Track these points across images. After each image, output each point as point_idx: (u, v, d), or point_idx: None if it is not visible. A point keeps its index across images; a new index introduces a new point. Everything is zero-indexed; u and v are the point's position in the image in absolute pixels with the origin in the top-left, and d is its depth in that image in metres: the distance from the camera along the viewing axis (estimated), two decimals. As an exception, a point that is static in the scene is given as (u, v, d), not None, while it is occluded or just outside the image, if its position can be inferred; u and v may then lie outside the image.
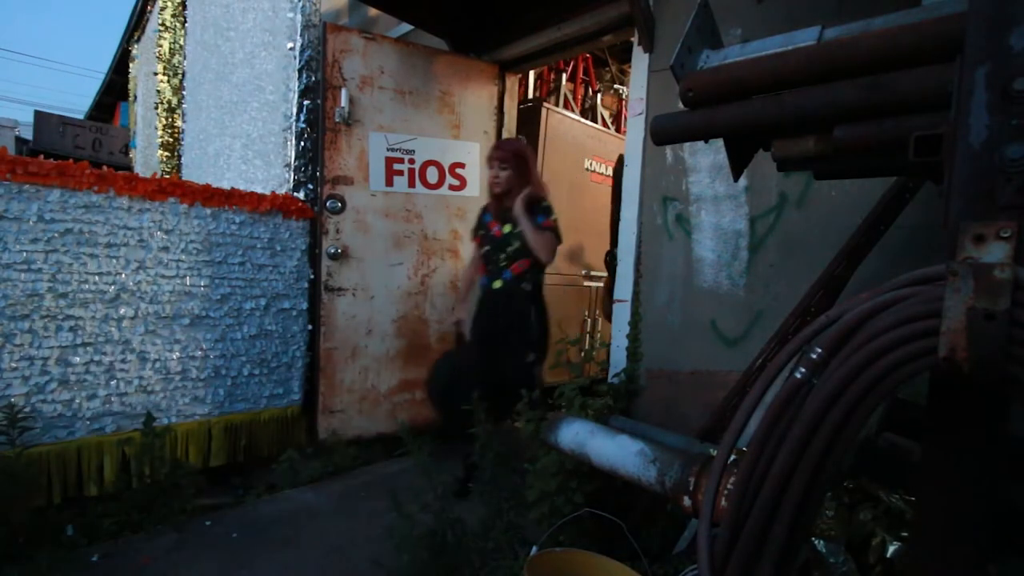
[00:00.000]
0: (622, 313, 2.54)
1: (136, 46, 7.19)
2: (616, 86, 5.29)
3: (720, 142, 1.19)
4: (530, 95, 4.34)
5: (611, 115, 5.21)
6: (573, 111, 4.61)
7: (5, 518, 1.90)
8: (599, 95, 5.08)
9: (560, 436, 1.52)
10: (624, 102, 5.14)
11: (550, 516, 1.80)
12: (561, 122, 4.00)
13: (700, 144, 2.23)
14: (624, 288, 2.54)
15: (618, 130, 4.92)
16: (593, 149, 4.29)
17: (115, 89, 8.99)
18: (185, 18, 5.29)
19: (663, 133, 1.13)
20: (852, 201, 1.83)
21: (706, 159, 2.26)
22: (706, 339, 2.24)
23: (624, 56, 5.02)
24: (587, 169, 4.27)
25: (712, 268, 2.24)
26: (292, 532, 2.21)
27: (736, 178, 1.17)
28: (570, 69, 4.87)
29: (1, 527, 1.87)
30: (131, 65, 7.38)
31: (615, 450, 1.34)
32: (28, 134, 9.42)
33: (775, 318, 1.85)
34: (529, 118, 3.80)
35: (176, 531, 2.15)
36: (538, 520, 1.85)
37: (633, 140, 2.56)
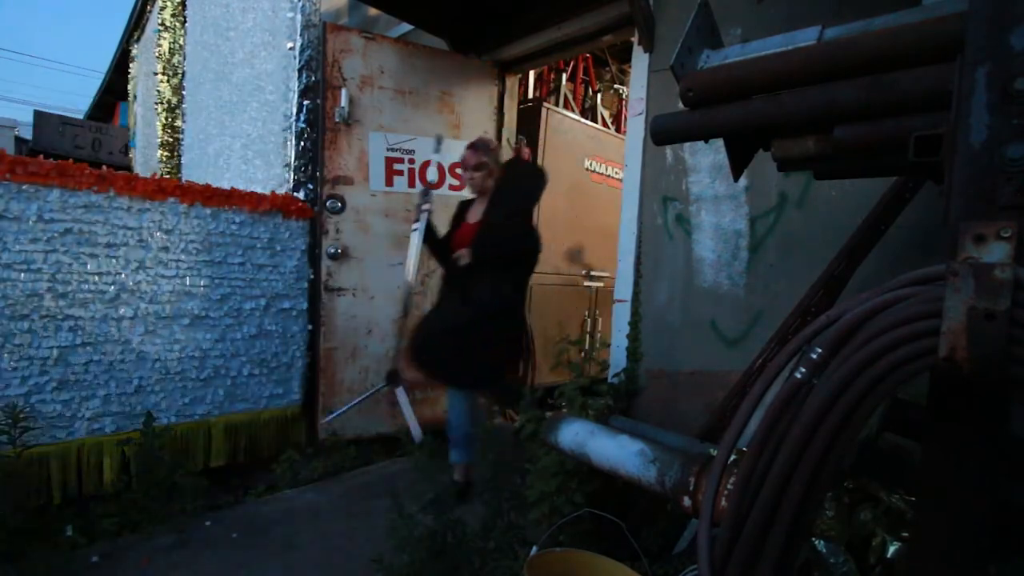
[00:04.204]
0: (622, 313, 2.53)
1: (136, 46, 7.19)
2: (616, 86, 5.29)
3: (720, 142, 1.19)
4: (530, 95, 4.33)
5: (611, 115, 5.21)
6: (573, 111, 4.61)
7: (5, 518, 1.89)
8: (599, 95, 5.08)
9: (560, 436, 1.51)
10: (624, 102, 5.14)
11: (550, 516, 1.80)
12: (561, 122, 4.00)
13: (700, 144, 2.23)
14: (624, 288, 2.54)
15: (618, 130, 4.91)
16: (593, 149, 4.29)
17: (115, 89, 8.99)
18: (185, 18, 5.28)
19: (663, 133, 1.13)
20: (852, 201, 1.83)
21: (706, 159, 2.26)
22: (706, 339, 2.24)
23: (624, 56, 5.01)
24: (587, 169, 4.27)
25: (712, 268, 2.24)
26: (292, 532, 2.21)
27: (736, 178, 1.17)
28: (570, 69, 4.87)
29: (1, 527, 1.87)
30: (131, 65, 7.38)
31: (615, 450, 1.34)
32: (28, 134, 9.42)
33: (775, 318, 1.84)
34: (529, 118, 3.80)
35: (176, 531, 2.15)
36: (538, 520, 1.85)
37: (633, 140, 2.56)
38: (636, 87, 2.53)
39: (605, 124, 4.97)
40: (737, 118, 1.00)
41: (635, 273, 2.50)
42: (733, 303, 2.17)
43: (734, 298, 2.17)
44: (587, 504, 1.74)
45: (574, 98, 4.89)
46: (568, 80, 4.84)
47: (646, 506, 1.81)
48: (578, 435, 1.46)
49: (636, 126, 2.55)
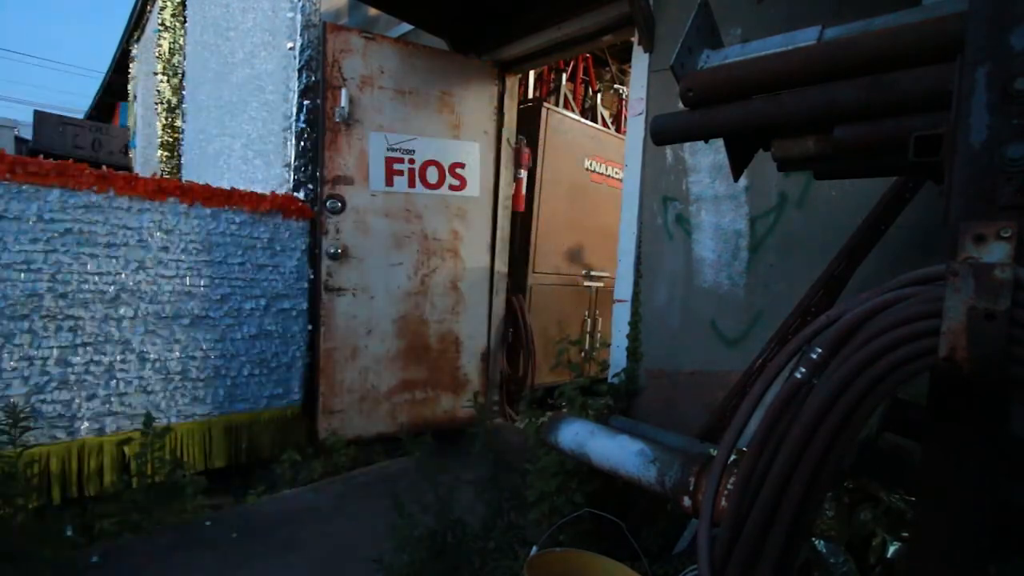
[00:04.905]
0: (622, 313, 2.53)
1: (136, 46, 7.20)
2: (616, 86, 5.29)
3: (720, 142, 1.19)
4: (530, 95, 4.33)
5: (611, 115, 5.21)
6: (573, 111, 4.61)
7: (5, 518, 1.89)
8: (599, 95, 5.08)
9: (560, 436, 1.52)
10: (624, 102, 5.14)
11: (550, 516, 1.80)
12: (561, 122, 4.00)
13: (700, 144, 2.23)
14: (624, 288, 2.54)
15: (618, 130, 4.91)
16: (593, 149, 4.29)
17: (115, 89, 8.99)
18: (185, 18, 5.29)
19: (663, 133, 1.13)
20: (852, 201, 1.83)
21: (706, 159, 2.26)
22: (706, 339, 2.24)
23: (624, 56, 5.01)
24: (587, 169, 4.27)
25: (712, 268, 2.24)
26: (292, 532, 2.21)
27: (736, 178, 1.17)
28: (570, 69, 4.87)
29: (1, 527, 1.87)
30: (131, 65, 7.39)
31: (615, 450, 1.34)
32: (28, 134, 9.44)
33: (775, 318, 1.84)
34: (529, 118, 3.80)
35: (176, 531, 2.15)
36: (538, 520, 1.85)
37: (633, 140, 2.56)
38: (636, 87, 2.53)
39: (605, 124, 4.97)
40: (737, 118, 1.00)
41: (635, 273, 2.50)
42: (733, 303, 2.17)
43: (734, 298, 2.17)
44: (587, 504, 1.74)
45: (574, 98, 4.89)
46: (568, 80, 4.84)
47: (646, 506, 1.81)
48: (578, 435, 1.46)
49: (636, 126, 2.55)
